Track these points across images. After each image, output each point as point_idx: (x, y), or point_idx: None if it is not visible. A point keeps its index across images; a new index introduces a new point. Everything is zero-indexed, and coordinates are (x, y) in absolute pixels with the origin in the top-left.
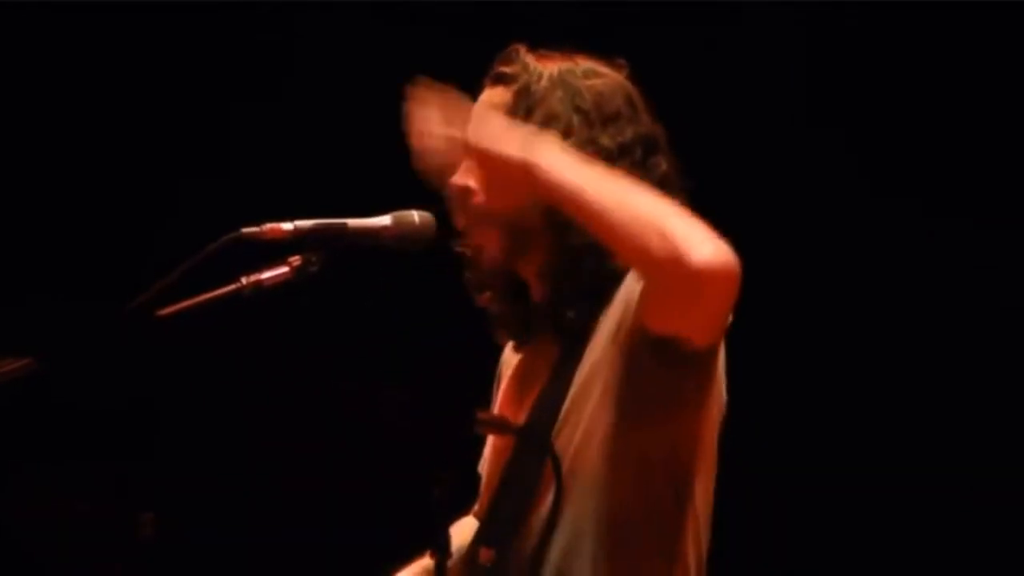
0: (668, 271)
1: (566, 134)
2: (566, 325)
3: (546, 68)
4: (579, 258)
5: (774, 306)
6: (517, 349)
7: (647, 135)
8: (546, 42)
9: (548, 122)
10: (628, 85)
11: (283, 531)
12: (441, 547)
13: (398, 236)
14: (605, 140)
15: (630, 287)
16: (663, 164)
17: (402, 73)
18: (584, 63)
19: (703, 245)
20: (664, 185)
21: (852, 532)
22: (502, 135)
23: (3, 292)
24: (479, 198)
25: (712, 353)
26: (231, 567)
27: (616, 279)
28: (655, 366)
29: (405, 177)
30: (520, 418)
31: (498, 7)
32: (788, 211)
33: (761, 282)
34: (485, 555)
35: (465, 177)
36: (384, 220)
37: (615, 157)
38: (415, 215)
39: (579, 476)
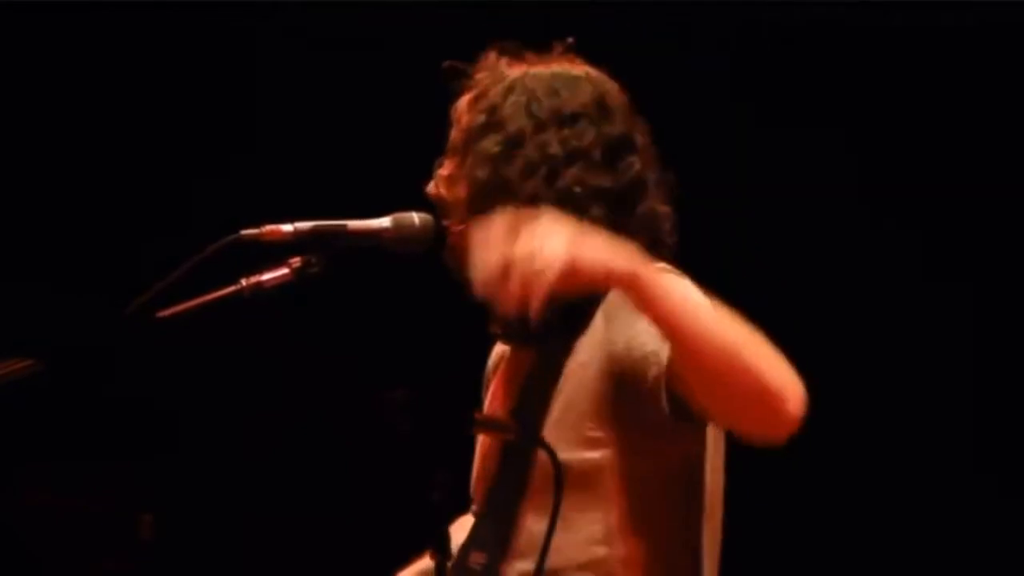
0: (758, 431)
1: (516, 137)
2: (517, 335)
3: (511, 72)
4: None
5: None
6: (506, 343)
7: (618, 136)
8: (545, 42)
9: (497, 126)
10: (605, 86)
11: (282, 532)
12: (441, 548)
13: (398, 238)
14: (553, 146)
15: (634, 316)
16: (636, 164)
17: (402, 74)
18: (558, 65)
19: (795, 403)
20: (635, 185)
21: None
22: (607, 249)
23: (5, 292)
24: (449, 203)
25: None
26: (231, 567)
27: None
28: (659, 412)
29: (405, 178)
30: (509, 409)
31: (499, 7)
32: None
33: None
34: (476, 559)
35: (434, 185)
36: (384, 222)
37: (562, 163)
38: (415, 217)
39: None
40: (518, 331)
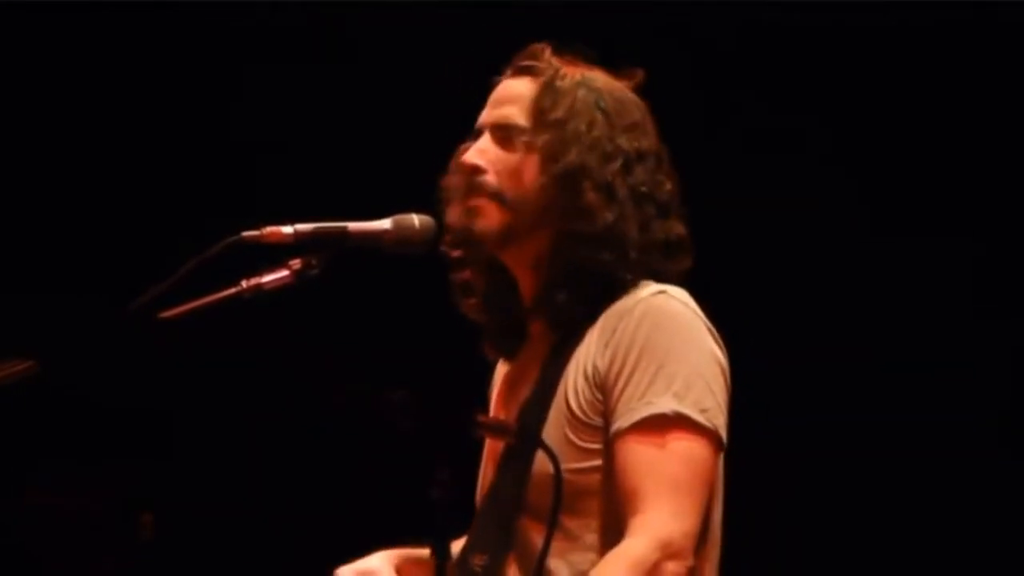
0: None
1: (589, 127)
2: (559, 311)
3: (567, 69)
4: (575, 245)
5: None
6: (506, 360)
7: (658, 151)
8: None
9: (572, 116)
10: (641, 101)
11: (282, 533)
12: (440, 549)
13: (398, 239)
14: (624, 142)
15: (630, 330)
16: (668, 183)
17: (403, 76)
18: (601, 74)
19: None
20: (670, 204)
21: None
22: None
23: (6, 292)
24: (490, 178)
25: None
26: (231, 567)
27: (607, 280)
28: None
29: (405, 180)
30: (511, 418)
31: (499, 8)
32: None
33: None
34: (477, 560)
35: (477, 157)
36: (384, 223)
37: (633, 160)
38: (415, 218)
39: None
40: (505, 342)
